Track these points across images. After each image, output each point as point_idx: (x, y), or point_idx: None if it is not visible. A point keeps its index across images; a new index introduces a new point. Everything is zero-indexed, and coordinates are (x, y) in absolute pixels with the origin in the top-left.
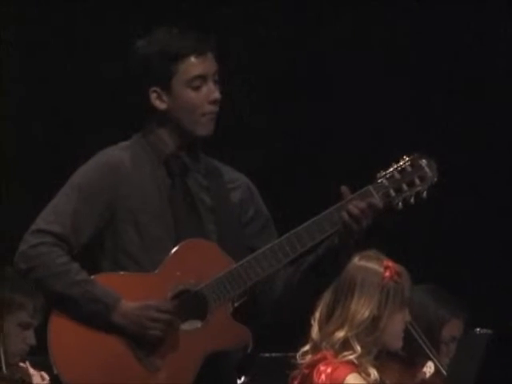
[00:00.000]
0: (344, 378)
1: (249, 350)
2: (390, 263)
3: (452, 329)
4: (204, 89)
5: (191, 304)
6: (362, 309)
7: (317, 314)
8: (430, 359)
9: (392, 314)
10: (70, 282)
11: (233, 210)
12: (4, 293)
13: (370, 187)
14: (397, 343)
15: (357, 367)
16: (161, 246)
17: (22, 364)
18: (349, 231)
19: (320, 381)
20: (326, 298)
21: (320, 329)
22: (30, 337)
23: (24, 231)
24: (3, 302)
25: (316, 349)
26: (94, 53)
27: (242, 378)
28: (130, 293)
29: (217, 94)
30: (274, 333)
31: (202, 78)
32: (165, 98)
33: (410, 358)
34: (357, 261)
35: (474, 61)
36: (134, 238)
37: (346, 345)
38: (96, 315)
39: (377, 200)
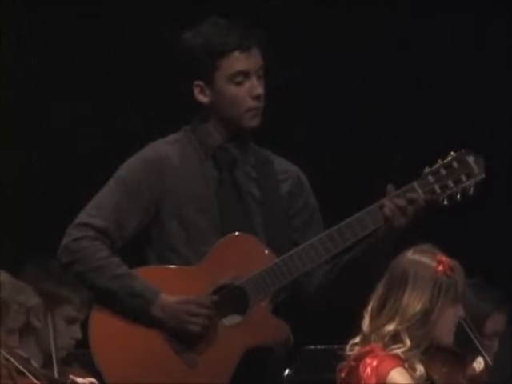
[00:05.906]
0: (389, 372)
1: (289, 346)
2: (444, 257)
3: (494, 323)
4: (247, 84)
5: (231, 299)
6: (414, 302)
7: (369, 307)
8: (480, 354)
9: (444, 309)
10: (110, 276)
11: (281, 202)
12: (50, 287)
13: (415, 183)
14: (447, 338)
15: (403, 361)
16: (206, 240)
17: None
18: (389, 227)
19: (365, 374)
20: (378, 290)
21: (371, 321)
22: (76, 331)
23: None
24: (49, 297)
25: (365, 341)
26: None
27: (288, 370)
28: (171, 287)
29: (259, 90)
30: (319, 325)
31: (245, 73)
32: (208, 92)
33: (461, 353)
34: (410, 254)
35: None
36: (179, 232)
37: (395, 338)
38: (136, 309)
39: (418, 196)
